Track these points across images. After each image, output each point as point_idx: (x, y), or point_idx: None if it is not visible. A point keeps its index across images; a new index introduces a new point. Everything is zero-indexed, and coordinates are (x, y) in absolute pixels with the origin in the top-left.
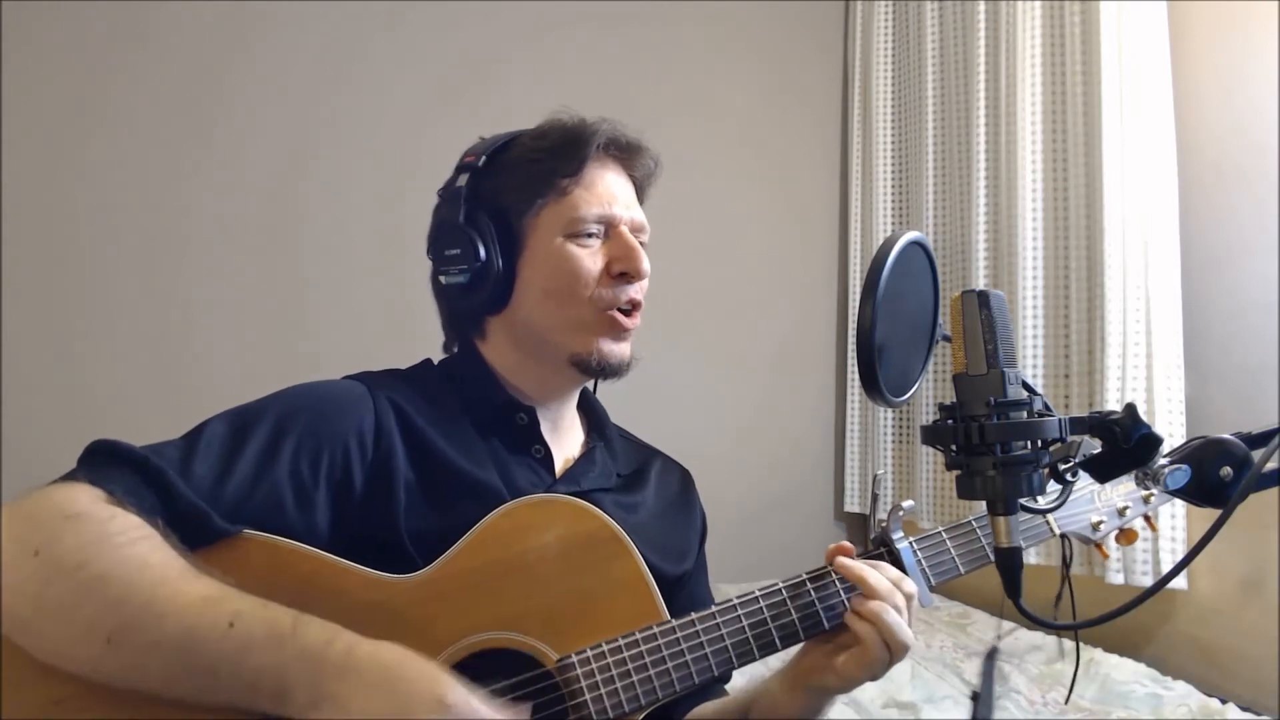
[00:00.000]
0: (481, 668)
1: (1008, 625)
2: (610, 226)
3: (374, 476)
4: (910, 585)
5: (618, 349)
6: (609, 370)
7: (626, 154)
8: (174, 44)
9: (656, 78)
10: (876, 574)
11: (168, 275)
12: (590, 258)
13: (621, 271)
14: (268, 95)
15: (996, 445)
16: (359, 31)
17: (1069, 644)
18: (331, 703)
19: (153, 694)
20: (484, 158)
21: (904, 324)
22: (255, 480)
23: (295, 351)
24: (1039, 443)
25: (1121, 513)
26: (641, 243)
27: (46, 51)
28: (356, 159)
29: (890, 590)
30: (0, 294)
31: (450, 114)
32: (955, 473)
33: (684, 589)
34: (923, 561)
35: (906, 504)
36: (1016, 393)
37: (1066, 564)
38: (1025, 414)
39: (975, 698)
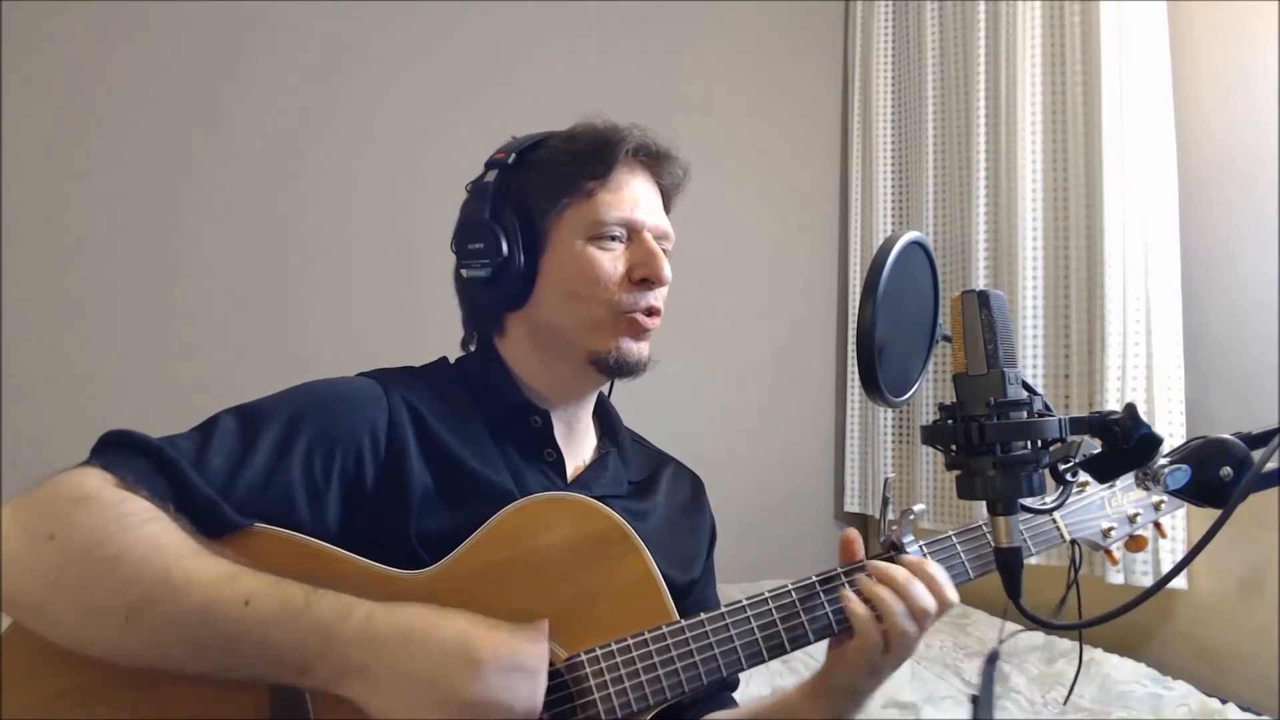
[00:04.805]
0: None
1: (1009, 626)
2: (633, 231)
3: (386, 475)
4: (928, 599)
5: (636, 348)
6: (626, 369)
7: (655, 161)
8: (174, 44)
9: (656, 77)
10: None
11: (168, 275)
12: (611, 261)
13: (643, 277)
14: (267, 94)
15: (996, 445)
16: (359, 31)
17: (1069, 644)
18: (356, 675)
19: (174, 671)
20: (513, 156)
21: (904, 324)
22: (268, 476)
23: (295, 351)
24: (1039, 443)
25: (1132, 519)
26: (665, 250)
27: (46, 51)
28: (356, 158)
29: (908, 579)
30: (0, 294)
31: (450, 114)
32: (955, 473)
33: (691, 596)
34: None
35: (917, 508)
36: (1016, 393)
37: (1076, 569)
38: (1025, 414)
39: (975, 700)
